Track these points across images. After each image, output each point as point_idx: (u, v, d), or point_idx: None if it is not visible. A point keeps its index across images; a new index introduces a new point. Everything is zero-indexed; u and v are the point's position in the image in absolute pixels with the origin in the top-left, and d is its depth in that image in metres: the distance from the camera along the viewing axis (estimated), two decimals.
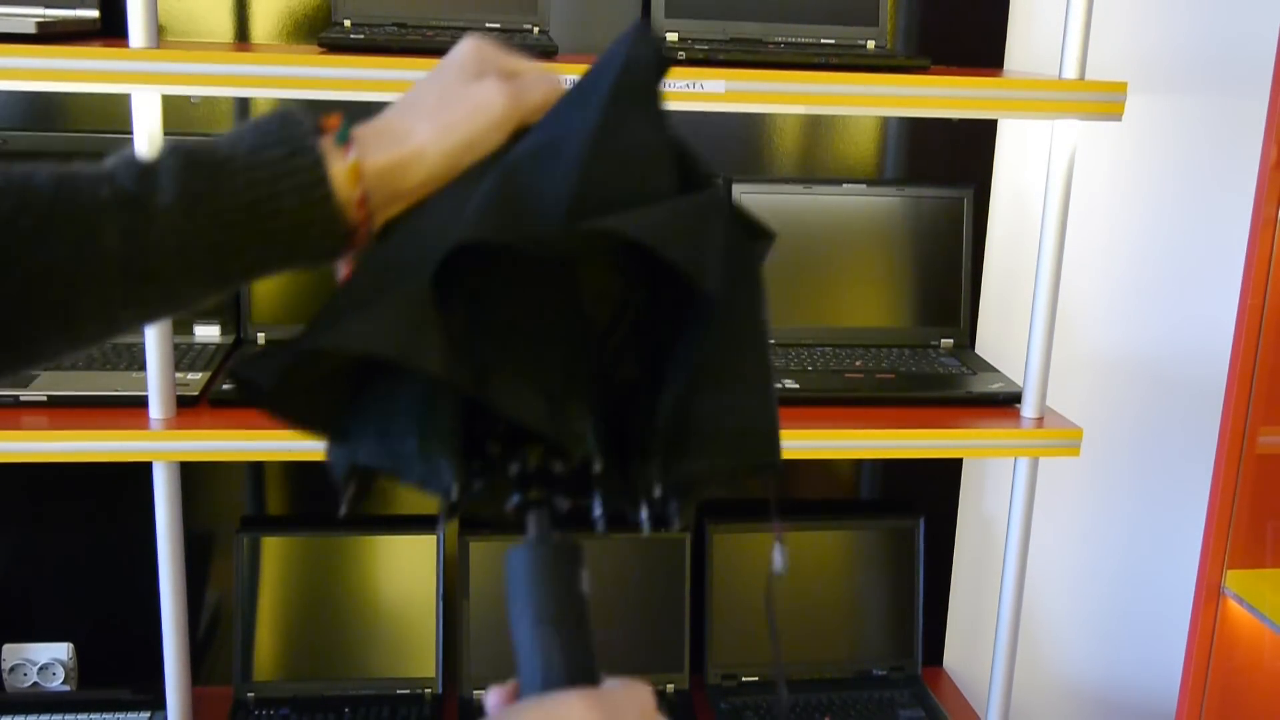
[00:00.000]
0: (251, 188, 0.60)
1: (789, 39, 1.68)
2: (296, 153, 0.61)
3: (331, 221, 0.62)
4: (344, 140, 0.63)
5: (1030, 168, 1.89)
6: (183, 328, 1.67)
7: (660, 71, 0.66)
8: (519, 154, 0.63)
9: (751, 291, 0.63)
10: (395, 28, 1.60)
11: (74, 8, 1.59)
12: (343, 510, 0.62)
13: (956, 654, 2.07)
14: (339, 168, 0.62)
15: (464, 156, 0.64)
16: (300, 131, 0.62)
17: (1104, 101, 1.52)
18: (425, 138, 0.64)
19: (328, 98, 1.40)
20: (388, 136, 0.64)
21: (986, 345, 1.92)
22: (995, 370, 1.76)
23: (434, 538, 1.78)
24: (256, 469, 1.86)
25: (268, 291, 1.72)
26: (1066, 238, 1.61)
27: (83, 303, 0.59)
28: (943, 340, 1.85)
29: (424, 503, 1.74)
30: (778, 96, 1.47)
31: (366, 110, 0.66)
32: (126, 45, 1.38)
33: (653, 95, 0.64)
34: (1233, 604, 1.78)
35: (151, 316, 0.63)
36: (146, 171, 0.60)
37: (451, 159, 0.64)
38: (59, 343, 0.61)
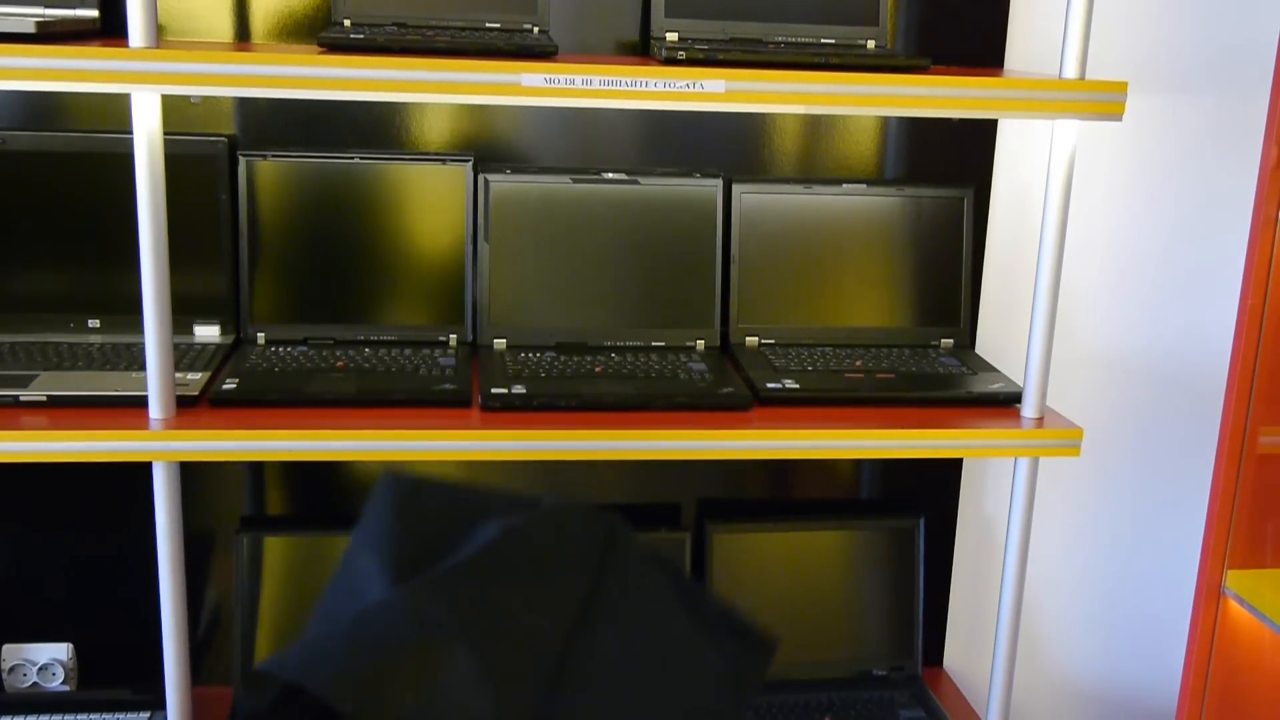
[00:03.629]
0: None
1: (789, 39, 1.68)
2: None
3: None
4: None
5: (1030, 168, 1.89)
6: (183, 328, 1.67)
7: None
8: None
9: None
10: (395, 28, 1.60)
11: (74, 8, 1.59)
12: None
13: (956, 654, 2.07)
14: None
15: None
16: None
17: (1104, 101, 1.52)
18: None
19: (328, 98, 1.40)
20: None
21: (986, 345, 1.92)
22: (995, 370, 1.76)
23: None
24: (256, 469, 1.86)
25: (268, 291, 1.72)
26: (1066, 238, 1.61)
27: None
28: (943, 340, 1.85)
29: None
30: (778, 96, 1.47)
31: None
32: (126, 45, 1.38)
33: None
34: (1233, 604, 1.78)
35: None
36: None
37: None
38: None
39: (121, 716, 1.75)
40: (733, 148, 1.83)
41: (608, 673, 0.70)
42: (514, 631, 0.68)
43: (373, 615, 0.68)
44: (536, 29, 1.65)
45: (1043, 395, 1.64)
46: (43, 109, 1.71)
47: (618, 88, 1.43)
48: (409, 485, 0.77)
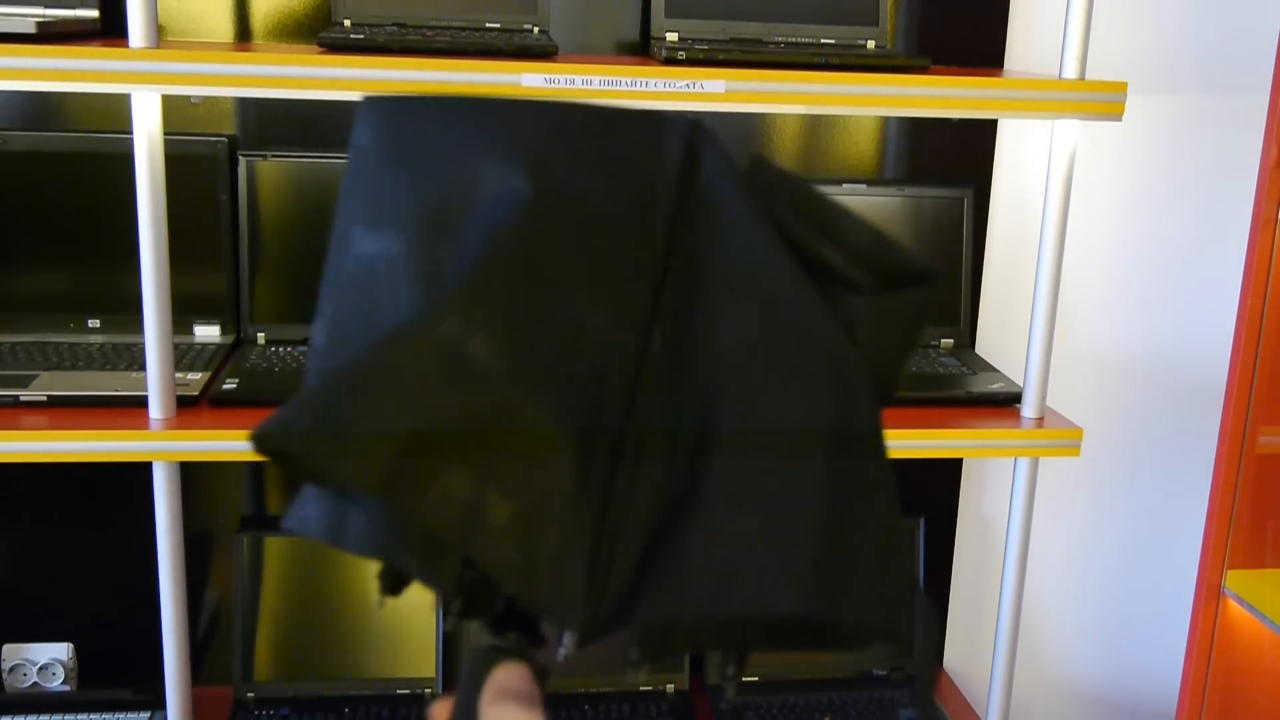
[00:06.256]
0: None
1: (789, 39, 1.68)
2: None
3: None
4: None
5: (1030, 168, 1.89)
6: (183, 328, 1.67)
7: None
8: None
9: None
10: (395, 28, 1.60)
11: (74, 8, 1.59)
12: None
13: (956, 654, 2.07)
14: None
15: None
16: None
17: (1104, 101, 1.52)
18: None
19: (328, 98, 1.40)
20: None
21: (986, 345, 1.92)
22: (995, 370, 1.76)
23: None
24: (256, 469, 1.86)
25: (268, 291, 1.72)
26: (1066, 238, 1.61)
27: None
28: (943, 340, 1.85)
29: None
30: (778, 96, 1.47)
31: None
32: (126, 45, 1.38)
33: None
34: (1233, 604, 1.78)
35: None
36: None
37: None
38: None
39: (121, 716, 1.75)
40: (733, 148, 1.83)
41: (704, 377, 0.52)
42: (577, 346, 0.51)
43: (387, 357, 0.50)
44: (536, 29, 1.65)
45: (1042, 395, 1.64)
46: (43, 109, 1.71)
47: (618, 88, 1.43)
48: (394, 109, 0.55)
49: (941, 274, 0.56)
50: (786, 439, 0.52)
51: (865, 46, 1.69)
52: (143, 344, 1.47)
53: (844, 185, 1.82)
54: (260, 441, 0.50)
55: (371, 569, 0.59)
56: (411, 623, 1.81)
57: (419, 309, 0.51)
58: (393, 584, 0.57)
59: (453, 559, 0.53)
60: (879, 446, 0.54)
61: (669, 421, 0.53)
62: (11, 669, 1.79)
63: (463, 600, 0.55)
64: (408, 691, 1.80)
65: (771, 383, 0.52)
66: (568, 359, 0.52)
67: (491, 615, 0.56)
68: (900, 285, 0.55)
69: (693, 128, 0.55)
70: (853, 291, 0.54)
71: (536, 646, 0.56)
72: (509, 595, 0.54)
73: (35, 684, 1.80)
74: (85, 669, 1.82)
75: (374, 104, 0.55)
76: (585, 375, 0.52)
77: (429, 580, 0.54)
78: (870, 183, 1.83)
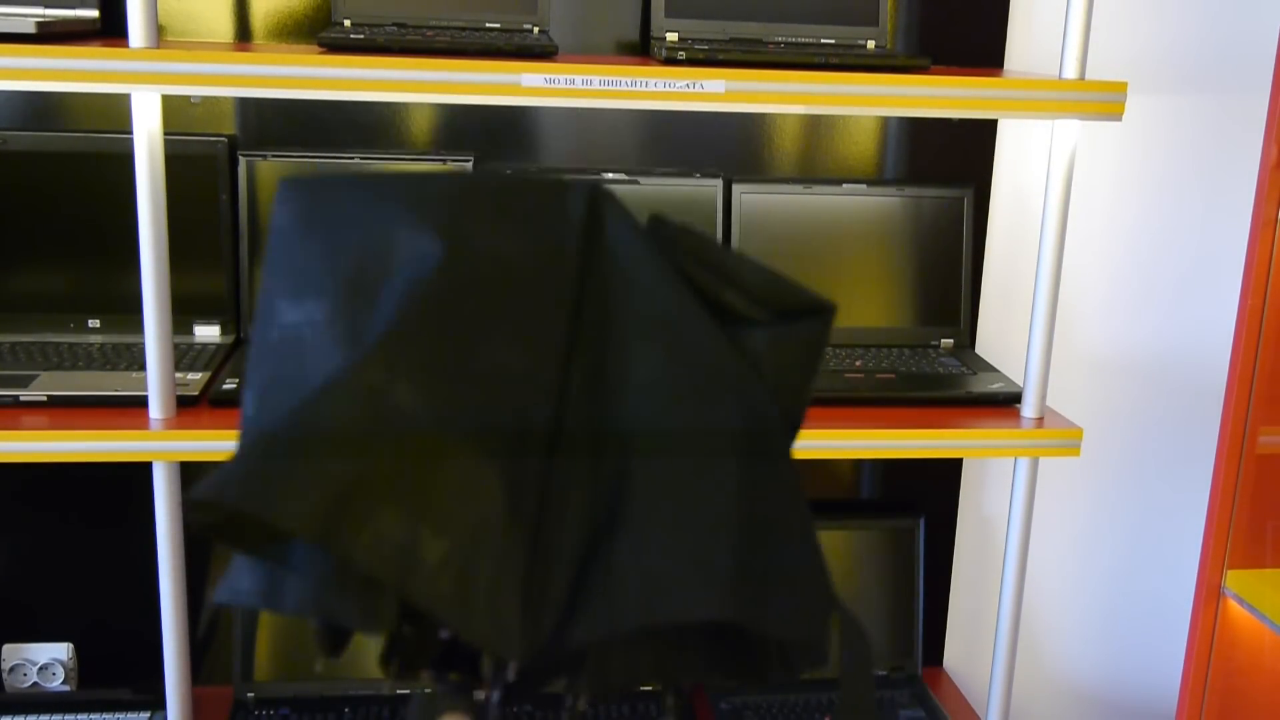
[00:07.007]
0: None
1: (789, 39, 1.68)
2: None
3: None
4: None
5: (1030, 168, 1.89)
6: (183, 328, 1.67)
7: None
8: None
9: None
10: (395, 28, 1.60)
11: (74, 8, 1.59)
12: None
13: (956, 654, 2.07)
14: None
15: None
16: None
17: (1104, 101, 1.52)
18: None
19: (328, 98, 1.40)
20: None
21: (986, 345, 1.92)
22: (995, 370, 1.76)
23: None
24: None
25: None
26: (1066, 238, 1.61)
27: None
28: (943, 340, 1.85)
29: None
30: (778, 96, 1.47)
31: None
32: (126, 45, 1.38)
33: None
34: (1233, 604, 1.78)
35: None
36: None
37: None
38: None
39: (121, 716, 1.75)
40: (733, 148, 1.83)
41: (621, 408, 0.57)
42: (498, 387, 0.55)
43: (317, 410, 0.53)
44: (536, 29, 1.65)
45: (1042, 395, 1.64)
46: (43, 109, 1.71)
47: (618, 88, 1.44)
48: (312, 190, 0.60)
49: (835, 306, 0.63)
50: (699, 456, 0.57)
51: (865, 46, 1.69)
52: (143, 344, 1.47)
53: (844, 185, 1.82)
54: (197, 506, 0.53)
55: None
56: None
57: (344, 364, 0.55)
58: (332, 644, 0.59)
59: (391, 601, 0.56)
60: (788, 462, 0.60)
61: (591, 451, 0.57)
62: (11, 669, 1.79)
63: (401, 655, 0.58)
64: (407, 691, 1.80)
65: (682, 408, 0.57)
66: (490, 400, 0.56)
67: (431, 663, 0.59)
68: (797, 318, 0.61)
69: (594, 189, 0.60)
70: (753, 327, 0.60)
71: (478, 684, 0.58)
72: (448, 639, 0.57)
73: (35, 684, 1.80)
74: (85, 669, 1.82)
75: (293, 187, 0.61)
76: (508, 413, 0.56)
77: (370, 628, 0.57)
78: (870, 183, 1.83)
